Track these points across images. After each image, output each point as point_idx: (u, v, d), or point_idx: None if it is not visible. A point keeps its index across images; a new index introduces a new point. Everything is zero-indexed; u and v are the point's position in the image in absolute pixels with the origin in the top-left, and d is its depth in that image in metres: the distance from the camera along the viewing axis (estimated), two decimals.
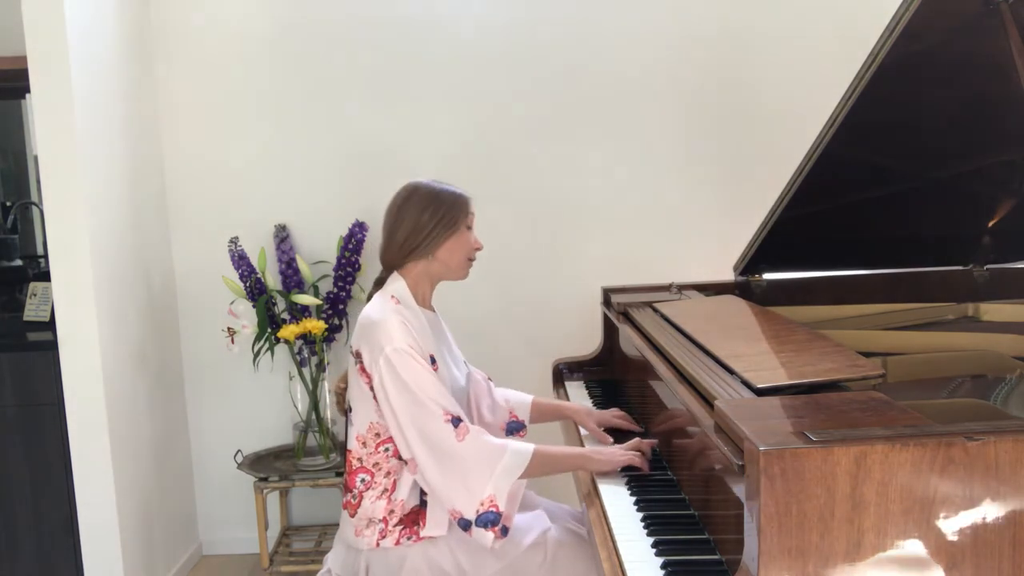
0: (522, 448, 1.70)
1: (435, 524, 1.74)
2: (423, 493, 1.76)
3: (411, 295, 1.84)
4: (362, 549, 1.77)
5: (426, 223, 1.82)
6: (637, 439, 1.82)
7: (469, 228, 1.88)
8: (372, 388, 1.73)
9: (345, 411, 1.88)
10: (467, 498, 1.65)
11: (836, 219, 2.23)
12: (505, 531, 1.66)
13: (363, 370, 1.75)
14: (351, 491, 1.80)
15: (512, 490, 1.67)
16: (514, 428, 2.09)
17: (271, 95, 3.01)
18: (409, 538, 1.75)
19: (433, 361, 1.77)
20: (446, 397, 1.70)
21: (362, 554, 1.77)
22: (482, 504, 1.65)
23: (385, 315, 1.75)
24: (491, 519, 1.64)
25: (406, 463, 1.74)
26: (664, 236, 3.04)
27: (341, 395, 1.93)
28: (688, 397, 1.49)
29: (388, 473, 1.77)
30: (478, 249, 1.90)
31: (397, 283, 1.84)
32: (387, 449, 1.77)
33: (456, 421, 1.68)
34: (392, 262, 1.87)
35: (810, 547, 1.07)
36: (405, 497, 1.76)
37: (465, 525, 1.66)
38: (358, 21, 2.97)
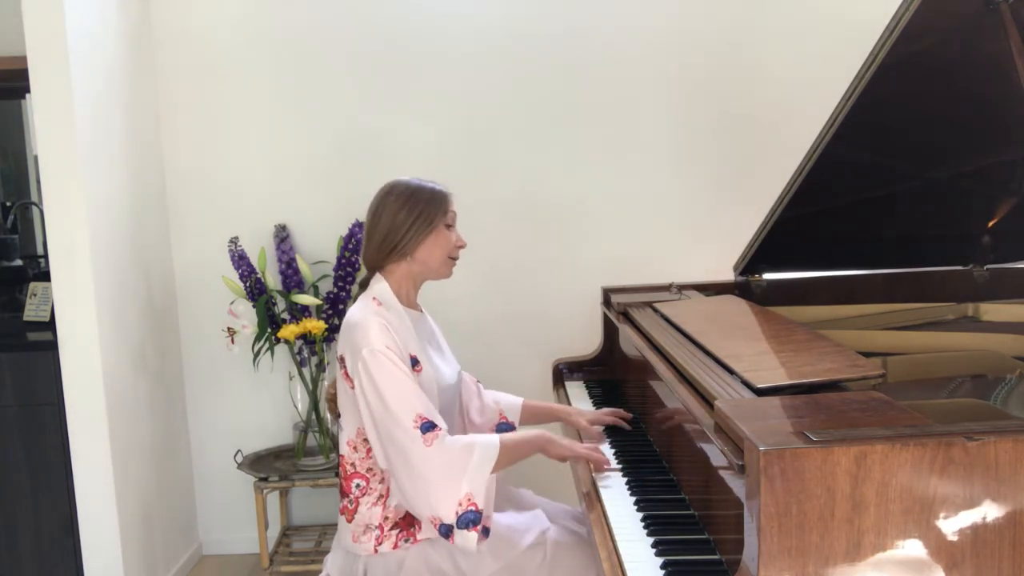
0: (489, 441, 1.69)
1: (429, 526, 1.72)
2: None
3: (394, 296, 1.81)
4: (360, 555, 1.76)
5: (402, 222, 1.79)
6: (600, 456, 1.82)
7: (449, 227, 1.85)
8: (356, 391, 1.72)
9: (337, 416, 1.87)
10: (444, 501, 1.62)
11: (836, 219, 2.23)
12: (486, 532, 1.64)
13: (347, 375, 1.74)
14: (347, 496, 1.79)
15: (487, 487, 1.65)
16: (503, 429, 2.07)
17: (271, 95, 3.01)
18: (407, 540, 1.74)
19: (417, 363, 1.75)
20: (420, 400, 1.67)
21: (360, 559, 1.76)
22: (460, 504, 1.62)
23: (365, 317, 1.73)
24: (472, 519, 1.62)
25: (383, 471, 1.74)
26: (664, 236, 3.04)
27: (332, 400, 1.92)
28: (688, 397, 1.49)
29: (383, 479, 1.76)
30: (461, 247, 1.87)
31: (379, 284, 1.83)
32: None
33: (426, 427, 1.65)
34: (373, 263, 1.85)
35: (810, 547, 1.07)
36: (400, 502, 1.74)
37: (446, 531, 1.63)
38: (357, 22, 2.97)
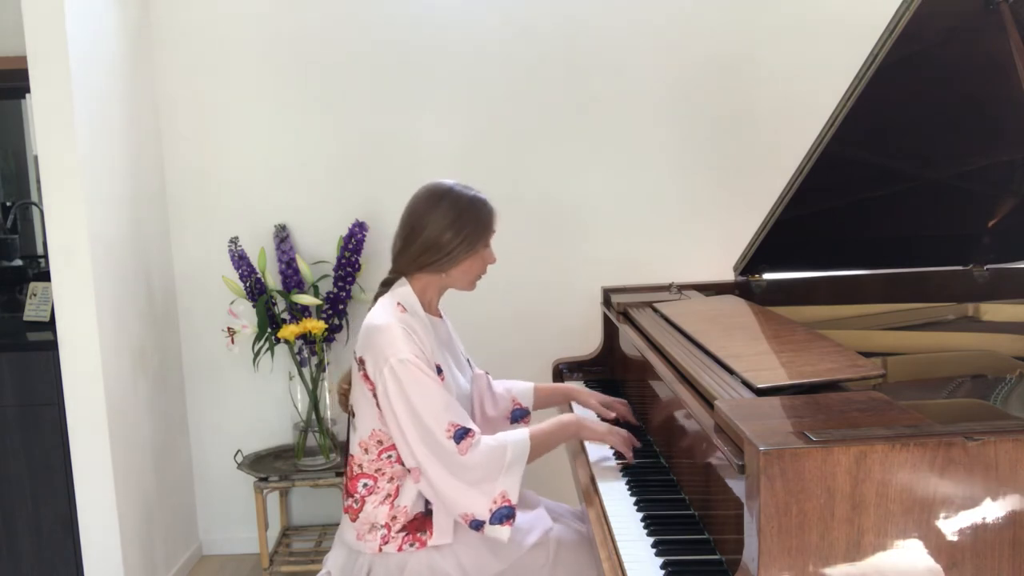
0: (519, 438, 1.70)
1: (441, 533, 1.72)
2: (427, 501, 1.74)
3: (418, 302, 1.80)
4: (364, 552, 1.76)
5: (447, 243, 1.76)
6: (628, 432, 1.85)
7: (486, 247, 1.83)
8: (375, 395, 1.71)
9: (349, 413, 1.86)
10: (480, 500, 1.64)
11: (836, 219, 2.23)
12: (514, 518, 1.67)
13: (366, 377, 1.72)
14: (352, 496, 1.78)
15: (519, 481, 1.68)
16: (519, 415, 2.08)
17: (271, 95, 3.01)
18: (412, 545, 1.73)
19: (440, 371, 1.74)
20: (452, 408, 1.68)
21: (364, 557, 1.76)
22: (495, 502, 1.64)
23: (389, 323, 1.71)
24: (505, 514, 1.65)
25: (409, 471, 1.73)
26: (664, 236, 3.04)
27: (344, 395, 1.91)
28: (688, 397, 1.49)
29: (391, 478, 1.75)
30: (491, 262, 1.86)
31: (404, 288, 1.81)
32: (390, 456, 1.74)
33: (460, 435, 1.66)
34: (403, 270, 1.83)
35: (810, 547, 1.07)
36: (409, 504, 1.73)
37: (478, 525, 1.65)
38: (358, 22, 2.97)
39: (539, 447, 1.73)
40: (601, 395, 2.09)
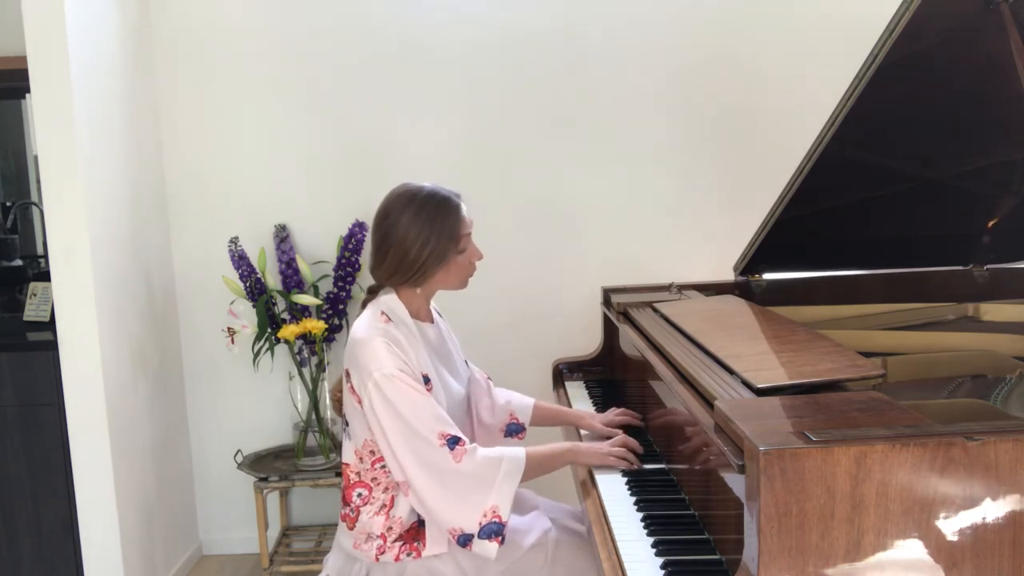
0: (516, 454, 1.68)
1: (436, 543, 1.71)
2: None
3: (405, 309, 1.76)
4: (361, 559, 1.75)
5: (414, 260, 1.72)
6: (623, 435, 1.84)
7: (462, 251, 1.77)
8: (363, 408, 1.69)
9: (343, 420, 1.84)
10: (469, 514, 1.62)
11: (836, 219, 2.23)
12: (503, 539, 1.64)
13: (353, 390, 1.70)
14: (348, 505, 1.76)
15: (511, 498, 1.65)
16: (513, 430, 2.06)
17: (271, 95, 3.01)
18: (409, 554, 1.72)
19: (427, 380, 1.72)
20: (441, 419, 1.65)
21: (362, 563, 1.75)
22: (484, 516, 1.62)
23: (371, 335, 1.68)
24: (494, 530, 1.62)
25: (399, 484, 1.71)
26: (664, 236, 3.04)
27: (337, 402, 1.89)
28: (688, 397, 1.49)
29: (386, 488, 1.74)
30: (478, 259, 1.83)
31: (389, 295, 1.78)
32: (383, 466, 1.73)
33: (452, 443, 1.63)
34: (383, 283, 1.80)
35: (810, 547, 1.07)
36: (404, 515, 1.72)
37: (465, 540, 1.62)
38: (358, 22, 2.97)
39: (533, 468, 1.70)
40: (602, 416, 2.04)
